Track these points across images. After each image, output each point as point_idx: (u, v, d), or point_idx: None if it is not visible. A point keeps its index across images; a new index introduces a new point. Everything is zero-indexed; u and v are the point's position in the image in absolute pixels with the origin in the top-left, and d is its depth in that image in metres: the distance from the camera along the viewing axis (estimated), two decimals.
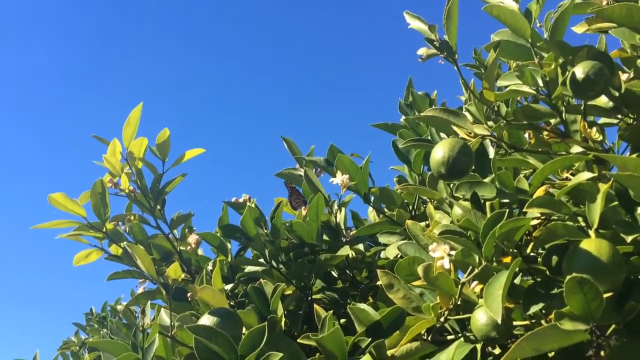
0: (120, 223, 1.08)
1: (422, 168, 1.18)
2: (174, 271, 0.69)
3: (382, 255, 1.27)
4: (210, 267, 1.19)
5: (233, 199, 1.15)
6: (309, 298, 1.09)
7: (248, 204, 1.10)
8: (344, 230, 1.19)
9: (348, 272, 1.22)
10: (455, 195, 0.77)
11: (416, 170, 1.16)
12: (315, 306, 0.89)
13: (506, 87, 0.82)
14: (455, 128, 0.85)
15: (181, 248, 1.19)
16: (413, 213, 1.22)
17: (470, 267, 0.72)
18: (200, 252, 1.34)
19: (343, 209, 1.26)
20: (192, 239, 1.19)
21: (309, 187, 1.14)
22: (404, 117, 1.22)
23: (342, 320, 1.05)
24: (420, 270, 0.73)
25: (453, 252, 0.76)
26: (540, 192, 0.77)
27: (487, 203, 0.71)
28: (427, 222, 1.30)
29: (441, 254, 0.77)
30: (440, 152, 0.72)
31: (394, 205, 1.19)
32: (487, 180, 0.78)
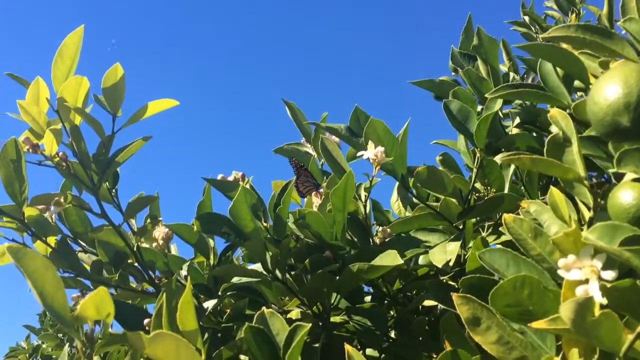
0: (50, 207, 0.73)
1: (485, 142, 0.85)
2: (92, 310, 0.33)
3: (420, 260, 0.94)
4: (184, 274, 0.84)
5: (219, 177, 0.80)
6: (327, 322, 0.75)
7: (241, 184, 0.76)
8: (375, 226, 0.85)
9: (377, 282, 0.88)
10: (618, 172, 0.43)
11: (479, 144, 0.82)
12: (347, 347, 0.56)
13: None
14: (592, 61, 0.51)
15: (143, 245, 0.84)
16: (465, 205, 0.88)
17: None
18: (174, 249, 0.99)
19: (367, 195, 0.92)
20: (160, 232, 0.84)
21: (329, 161, 0.79)
22: (461, 70, 0.87)
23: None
24: (566, 310, 0.39)
25: (610, 275, 0.43)
26: None
27: None
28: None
29: (584, 275, 0.44)
30: (617, 87, 0.38)
31: (444, 192, 0.85)
32: None
